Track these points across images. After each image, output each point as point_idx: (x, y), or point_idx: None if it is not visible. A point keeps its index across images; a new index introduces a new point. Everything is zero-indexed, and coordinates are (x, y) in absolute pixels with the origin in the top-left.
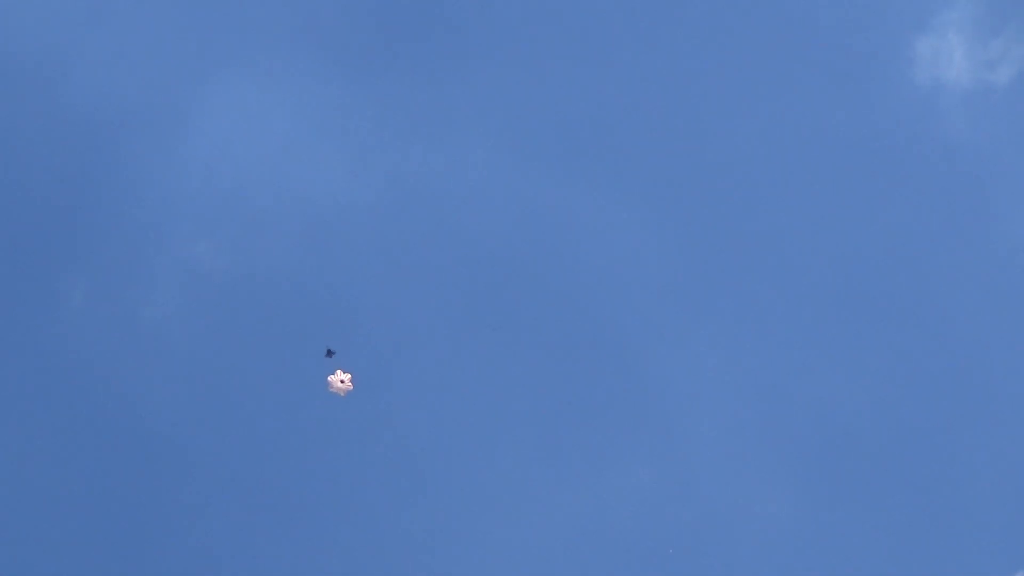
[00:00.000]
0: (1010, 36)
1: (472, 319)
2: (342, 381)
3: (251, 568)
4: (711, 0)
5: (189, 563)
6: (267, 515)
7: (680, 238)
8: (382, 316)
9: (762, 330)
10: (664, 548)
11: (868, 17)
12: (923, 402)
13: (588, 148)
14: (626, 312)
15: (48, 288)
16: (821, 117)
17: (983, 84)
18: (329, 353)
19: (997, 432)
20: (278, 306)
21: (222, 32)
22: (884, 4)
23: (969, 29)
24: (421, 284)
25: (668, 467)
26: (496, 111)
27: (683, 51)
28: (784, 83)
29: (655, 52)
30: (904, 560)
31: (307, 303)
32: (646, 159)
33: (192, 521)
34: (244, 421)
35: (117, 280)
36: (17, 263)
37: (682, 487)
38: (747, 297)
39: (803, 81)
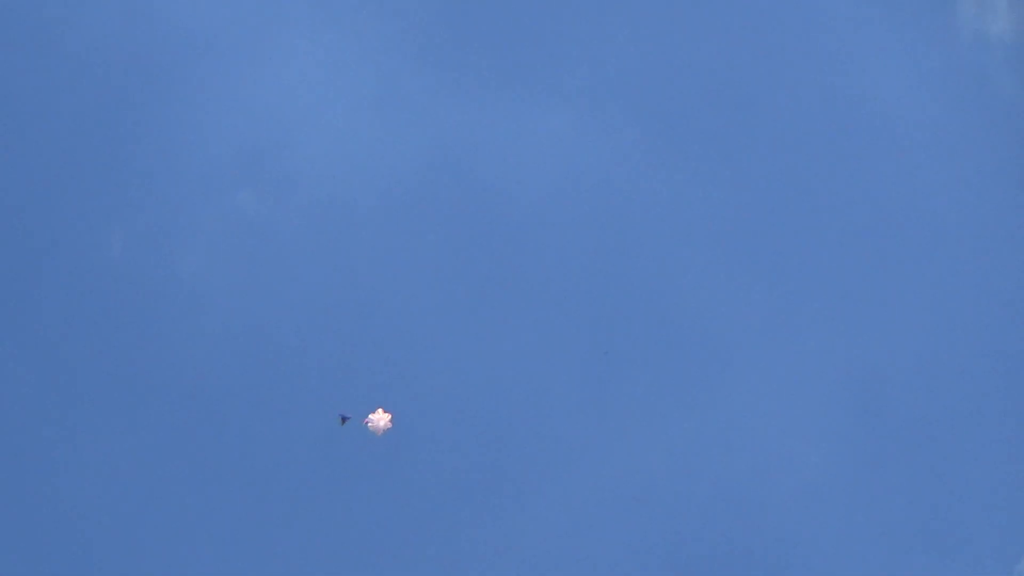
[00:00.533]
0: None
1: (517, 270)
2: (375, 419)
3: (291, 521)
4: None
5: (223, 512)
6: (302, 466)
7: (727, 191)
8: (426, 272)
9: (806, 282)
10: (708, 503)
11: None
12: (967, 361)
13: (641, 109)
14: (672, 265)
15: (86, 237)
16: (863, 72)
17: None
18: (343, 420)
19: None
20: (319, 257)
21: None
22: None
23: None
24: (467, 240)
25: (711, 418)
26: (553, 75)
27: (730, 9)
28: (824, 38)
29: (708, 11)
30: (943, 517)
31: (350, 256)
32: (699, 114)
33: (224, 471)
34: (282, 372)
35: (156, 229)
36: (55, 211)
37: (724, 438)
38: (792, 249)
39: (844, 36)
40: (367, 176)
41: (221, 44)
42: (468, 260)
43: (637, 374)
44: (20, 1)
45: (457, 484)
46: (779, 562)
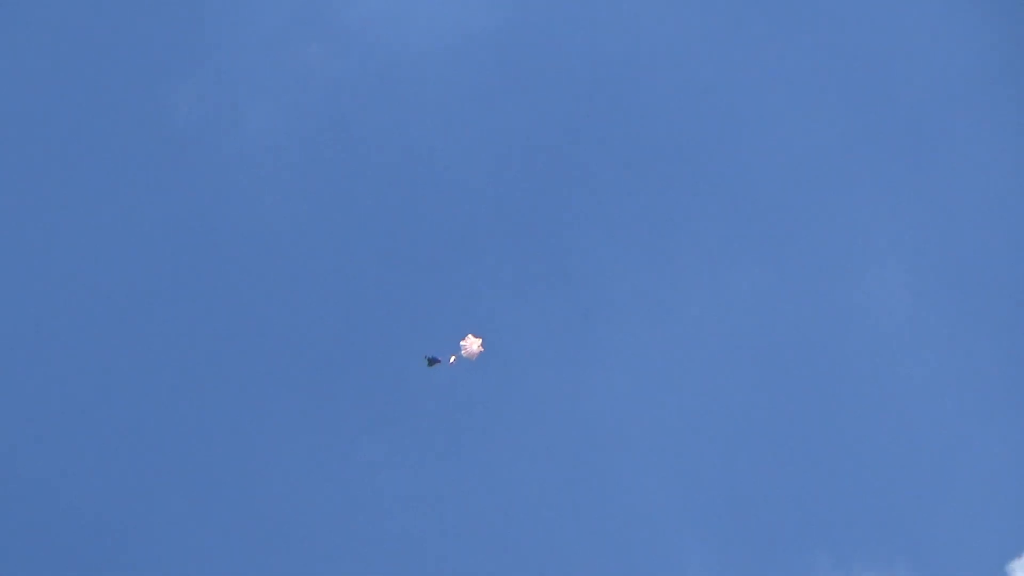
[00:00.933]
0: None
1: (584, 129)
2: (466, 344)
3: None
4: None
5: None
6: (364, 320)
7: (799, 39)
8: (499, 133)
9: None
10: (780, 347)
11: None
12: None
13: None
14: (748, 112)
15: (154, 91)
16: None
17: None
18: (431, 362)
19: None
20: (387, 113)
21: None
22: None
23: None
24: (538, 99)
25: (786, 267)
26: None
27: None
28: None
29: None
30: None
31: (418, 112)
32: None
33: (284, 319)
34: (347, 228)
35: (225, 82)
36: (125, 67)
37: (799, 286)
38: (877, 96)
39: None
40: (438, 33)
41: None
42: (540, 119)
43: (714, 218)
44: None
45: (535, 332)
46: (862, 404)
